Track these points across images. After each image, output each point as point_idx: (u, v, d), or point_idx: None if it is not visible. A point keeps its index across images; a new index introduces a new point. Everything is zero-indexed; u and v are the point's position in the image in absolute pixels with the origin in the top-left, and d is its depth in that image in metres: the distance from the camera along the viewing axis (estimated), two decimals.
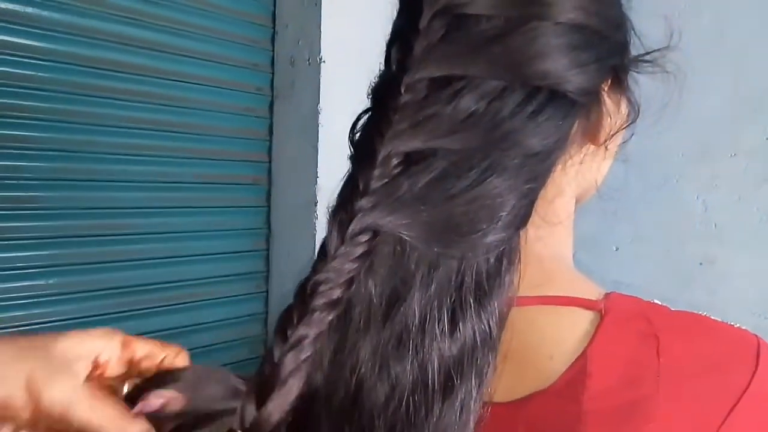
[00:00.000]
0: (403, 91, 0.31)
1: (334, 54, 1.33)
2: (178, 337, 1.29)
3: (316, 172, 1.32)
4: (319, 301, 0.30)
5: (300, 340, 0.30)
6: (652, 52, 0.39)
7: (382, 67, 0.36)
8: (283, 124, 1.41)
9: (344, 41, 1.34)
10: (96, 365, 0.30)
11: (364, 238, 0.31)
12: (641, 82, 0.40)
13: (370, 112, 0.35)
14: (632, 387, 0.33)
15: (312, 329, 0.30)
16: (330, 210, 0.33)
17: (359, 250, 0.31)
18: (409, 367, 0.31)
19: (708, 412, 0.33)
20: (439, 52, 0.32)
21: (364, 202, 0.31)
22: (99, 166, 1.15)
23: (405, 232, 0.31)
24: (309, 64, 1.34)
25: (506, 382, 0.34)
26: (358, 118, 0.36)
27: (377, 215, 0.31)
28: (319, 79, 1.31)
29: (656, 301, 0.37)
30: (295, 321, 0.30)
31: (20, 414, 0.27)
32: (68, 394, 0.28)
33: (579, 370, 0.34)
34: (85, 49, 1.11)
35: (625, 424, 0.32)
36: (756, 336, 0.36)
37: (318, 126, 1.31)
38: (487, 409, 0.32)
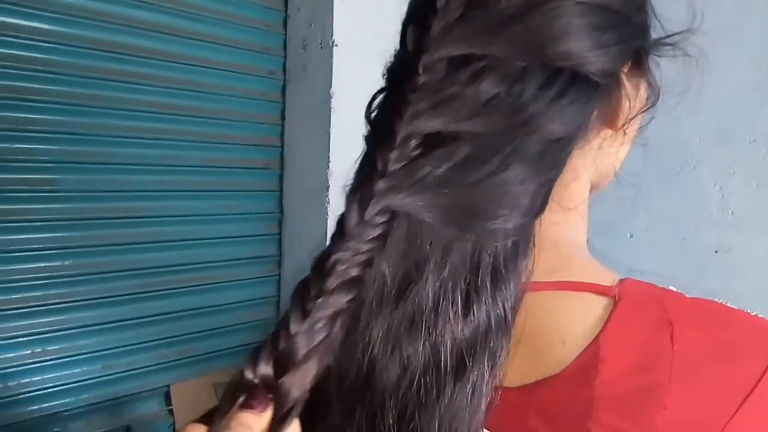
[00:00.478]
0: (421, 71, 0.31)
1: (346, 38, 1.32)
2: (191, 319, 1.31)
3: (328, 156, 1.32)
4: (336, 280, 0.30)
5: (317, 320, 0.30)
6: (674, 35, 0.38)
7: (397, 49, 0.36)
8: (296, 109, 1.41)
9: (357, 25, 1.33)
10: None
11: (382, 218, 0.30)
12: (660, 66, 0.40)
13: (385, 92, 0.35)
14: (645, 373, 0.33)
15: (330, 309, 0.30)
16: (347, 189, 0.33)
17: (377, 231, 0.30)
18: (421, 349, 0.31)
19: (722, 400, 0.32)
20: (458, 32, 0.31)
21: (383, 183, 0.30)
22: (114, 149, 1.16)
23: (426, 214, 0.31)
24: (321, 47, 1.33)
25: (518, 367, 0.34)
26: (374, 97, 0.35)
27: (397, 196, 0.30)
28: (332, 63, 1.30)
29: (671, 288, 0.37)
30: (313, 294, 0.30)
31: None
32: None
33: (592, 355, 0.33)
34: (99, 33, 1.12)
35: (637, 410, 0.32)
36: None
37: (330, 110, 1.31)
38: (498, 393, 0.32)
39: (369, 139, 0.34)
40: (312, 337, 0.29)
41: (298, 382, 0.29)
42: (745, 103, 1.21)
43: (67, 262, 1.13)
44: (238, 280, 1.38)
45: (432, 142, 0.31)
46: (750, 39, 1.20)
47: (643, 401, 0.32)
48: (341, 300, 0.30)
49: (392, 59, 0.36)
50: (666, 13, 0.39)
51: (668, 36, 0.38)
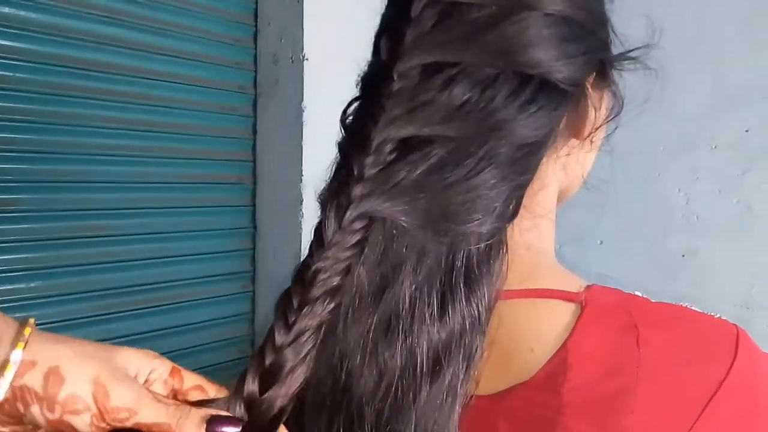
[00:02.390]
0: (395, 77, 0.32)
1: (317, 51, 1.33)
2: (164, 338, 1.28)
3: (301, 170, 1.32)
4: (319, 290, 0.30)
5: (303, 331, 0.30)
6: (637, 49, 0.40)
7: (370, 59, 0.36)
8: (267, 123, 1.40)
9: (327, 38, 1.34)
10: (146, 380, 0.32)
11: (360, 224, 0.31)
12: (623, 79, 0.41)
13: (360, 100, 0.35)
14: (612, 378, 0.33)
15: (314, 319, 0.30)
16: (320, 196, 0.33)
17: (355, 237, 0.31)
18: (397, 353, 0.31)
19: (687, 402, 0.33)
20: (432, 40, 0.32)
21: (359, 189, 0.31)
22: (81, 167, 1.14)
23: (403, 219, 0.31)
24: (292, 61, 1.33)
25: (488, 375, 0.34)
26: (349, 105, 0.36)
27: (374, 202, 0.31)
28: (303, 77, 1.31)
29: (638, 293, 0.38)
30: (295, 306, 0.30)
31: (86, 410, 0.28)
32: (134, 396, 0.29)
33: (560, 362, 0.34)
34: (65, 50, 1.10)
35: (605, 414, 0.33)
36: (735, 326, 0.36)
37: (302, 124, 1.31)
38: (472, 399, 0.32)
39: (343, 145, 0.35)
40: (298, 349, 0.30)
41: (282, 394, 0.30)
42: (706, 113, 1.25)
43: (33, 284, 1.09)
44: (211, 297, 1.36)
45: (407, 147, 0.31)
46: (707, 52, 1.24)
47: (611, 405, 0.33)
48: (325, 310, 0.30)
49: (366, 68, 0.36)
50: (626, 31, 0.40)
51: (632, 50, 0.40)
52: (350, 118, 0.35)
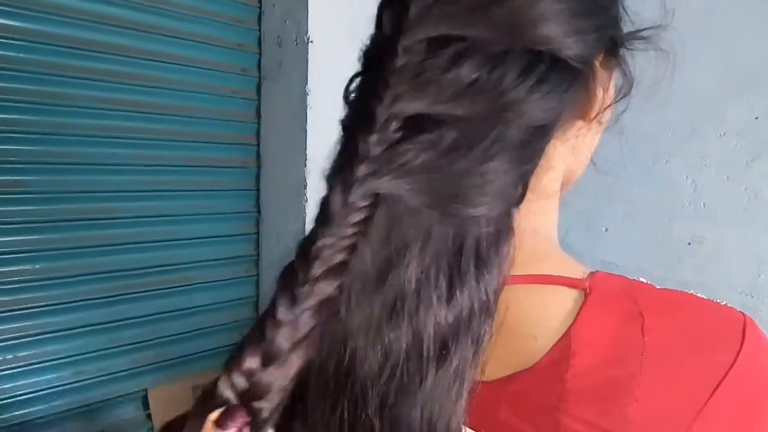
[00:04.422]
0: (400, 52, 0.30)
1: (321, 34, 1.31)
2: (168, 321, 1.29)
3: (305, 153, 1.31)
4: (323, 267, 0.29)
5: (306, 309, 0.29)
6: (648, 28, 0.39)
7: (373, 33, 0.35)
8: (271, 106, 1.39)
9: (332, 21, 1.32)
10: None
11: (365, 202, 0.30)
12: (630, 62, 0.40)
13: (363, 75, 0.35)
14: (616, 366, 0.33)
15: (316, 297, 0.29)
16: (326, 174, 0.32)
17: (361, 215, 0.30)
18: (402, 335, 0.30)
19: (693, 391, 0.33)
20: (437, 12, 0.31)
21: (365, 167, 0.30)
22: (85, 149, 1.14)
23: (411, 198, 0.30)
24: (296, 44, 1.32)
25: (490, 362, 0.34)
26: (351, 80, 0.35)
27: (381, 180, 0.30)
28: (307, 60, 1.29)
29: (642, 280, 0.37)
30: (300, 280, 0.29)
31: None
32: None
33: (563, 349, 0.33)
34: (69, 30, 1.09)
35: (608, 402, 0.32)
36: (742, 313, 0.36)
37: (306, 107, 1.30)
38: (477, 384, 0.32)
39: (347, 122, 0.34)
40: (300, 327, 0.29)
41: (282, 375, 0.29)
42: (714, 98, 1.24)
43: (38, 266, 1.10)
44: (215, 281, 1.37)
45: (413, 125, 0.30)
46: (717, 37, 1.22)
47: (614, 393, 0.32)
48: (328, 288, 0.30)
49: (368, 42, 0.35)
50: (638, 10, 0.39)
51: (643, 29, 0.39)
52: (353, 94, 0.35)
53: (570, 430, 0.32)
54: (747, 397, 0.33)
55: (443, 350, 0.30)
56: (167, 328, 1.29)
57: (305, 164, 1.31)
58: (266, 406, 0.29)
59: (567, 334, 0.34)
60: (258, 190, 1.44)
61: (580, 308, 0.34)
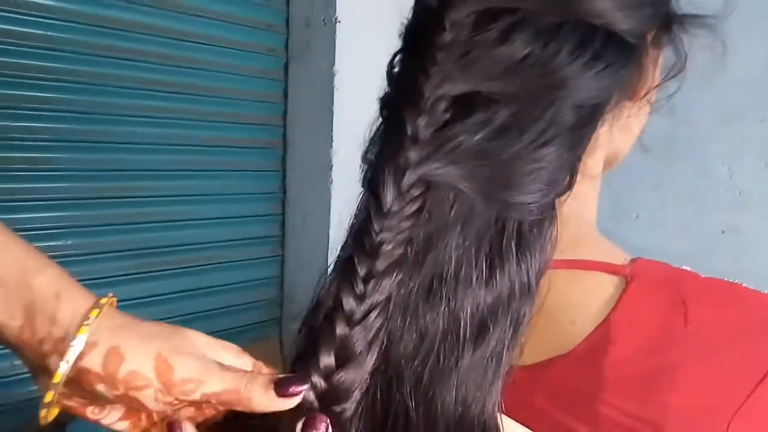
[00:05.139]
0: (447, 27, 0.29)
1: (349, 14, 1.30)
2: (194, 299, 1.30)
3: (332, 135, 1.30)
4: (385, 262, 0.29)
5: (374, 306, 0.29)
6: (708, 15, 0.37)
7: (414, 6, 0.34)
8: (298, 87, 1.39)
9: (361, 1, 1.31)
10: None
11: (419, 190, 0.29)
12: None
13: (406, 52, 0.33)
14: (657, 354, 0.32)
15: (384, 294, 0.29)
16: (368, 155, 0.32)
17: (416, 205, 0.29)
18: (439, 316, 0.30)
19: (736, 382, 0.31)
20: None
21: (416, 151, 0.29)
22: (115, 128, 1.15)
23: (463, 185, 0.29)
24: (324, 24, 1.30)
25: (527, 346, 0.33)
26: (394, 56, 0.34)
27: (432, 166, 0.29)
28: (335, 40, 1.28)
29: (687, 268, 0.36)
30: (362, 275, 0.29)
31: (148, 385, 0.28)
32: (199, 366, 0.29)
33: (602, 335, 0.33)
34: (98, 9, 1.09)
35: (648, 391, 0.31)
36: None
37: (333, 88, 1.29)
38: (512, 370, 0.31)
39: (392, 102, 0.33)
40: (370, 326, 0.29)
41: (360, 377, 0.29)
42: (755, 83, 1.19)
43: (69, 242, 1.12)
44: (240, 261, 1.38)
45: (463, 105, 0.29)
46: (760, 20, 1.17)
47: (655, 383, 0.31)
48: (393, 282, 0.29)
49: (410, 16, 0.34)
50: None
51: (706, 16, 0.37)
52: (395, 71, 0.33)
53: (608, 419, 0.31)
54: None
55: (481, 331, 0.30)
56: (192, 305, 1.30)
57: (331, 145, 1.31)
58: (349, 407, 0.29)
59: (606, 321, 0.33)
60: (284, 170, 1.44)
61: (621, 295, 0.33)
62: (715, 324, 0.33)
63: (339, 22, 1.28)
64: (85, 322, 0.28)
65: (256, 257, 1.41)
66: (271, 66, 1.38)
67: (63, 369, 0.28)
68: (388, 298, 0.29)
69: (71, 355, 0.28)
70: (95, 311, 0.29)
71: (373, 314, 0.29)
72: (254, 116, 1.37)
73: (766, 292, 0.36)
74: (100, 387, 0.29)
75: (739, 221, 1.21)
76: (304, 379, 0.29)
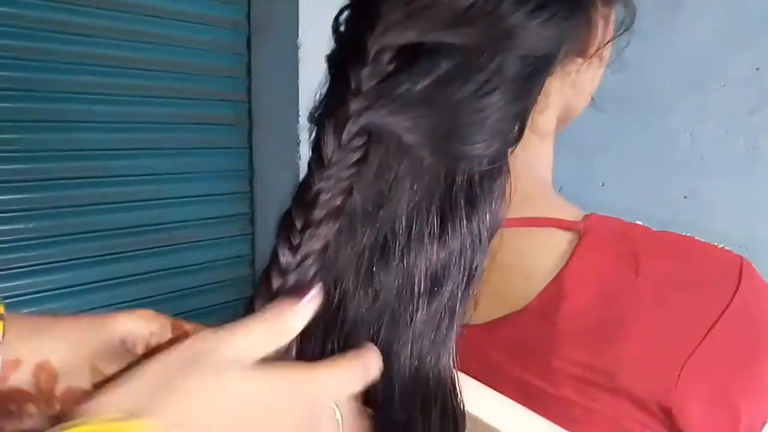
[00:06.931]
0: None
1: None
2: (163, 279, 1.29)
3: (298, 110, 1.28)
4: (322, 211, 0.29)
5: (308, 254, 0.29)
6: None
7: None
8: (262, 61, 1.36)
9: None
10: (146, 346, 0.29)
11: (360, 141, 0.29)
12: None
13: (352, 7, 0.33)
14: (609, 306, 0.32)
15: (319, 242, 0.29)
16: (314, 112, 0.31)
17: (356, 155, 0.29)
18: (393, 273, 0.30)
19: (687, 331, 0.32)
20: None
21: (358, 102, 0.28)
22: (71, 106, 1.11)
23: (406, 135, 0.29)
24: None
25: (482, 304, 0.33)
26: (340, 12, 0.33)
27: (374, 115, 0.29)
28: (298, 12, 1.25)
29: (639, 222, 0.36)
30: (299, 227, 0.29)
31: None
32: None
33: (555, 290, 0.33)
34: None
35: (601, 343, 0.32)
36: (740, 256, 0.35)
37: (298, 61, 1.26)
38: (462, 330, 0.31)
39: (337, 56, 0.32)
40: (304, 273, 0.28)
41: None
42: (715, 50, 1.21)
43: (30, 225, 1.09)
44: (209, 240, 1.36)
45: (407, 56, 0.29)
46: None
47: (607, 334, 0.32)
48: (329, 231, 0.29)
49: None
50: None
51: None
52: (342, 27, 0.33)
53: (563, 372, 0.32)
54: (742, 338, 0.33)
55: (434, 286, 0.30)
56: (163, 286, 1.29)
57: (298, 121, 1.29)
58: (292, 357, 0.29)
59: (560, 276, 0.33)
60: (251, 148, 1.41)
61: (574, 250, 0.34)
62: (665, 275, 0.33)
63: None
64: None
65: (226, 236, 1.39)
66: (234, 39, 1.35)
67: None
68: (325, 247, 0.29)
69: None
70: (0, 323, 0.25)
71: (308, 262, 0.28)
72: (217, 92, 1.34)
73: None
74: (31, 408, 0.26)
75: (700, 186, 1.24)
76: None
